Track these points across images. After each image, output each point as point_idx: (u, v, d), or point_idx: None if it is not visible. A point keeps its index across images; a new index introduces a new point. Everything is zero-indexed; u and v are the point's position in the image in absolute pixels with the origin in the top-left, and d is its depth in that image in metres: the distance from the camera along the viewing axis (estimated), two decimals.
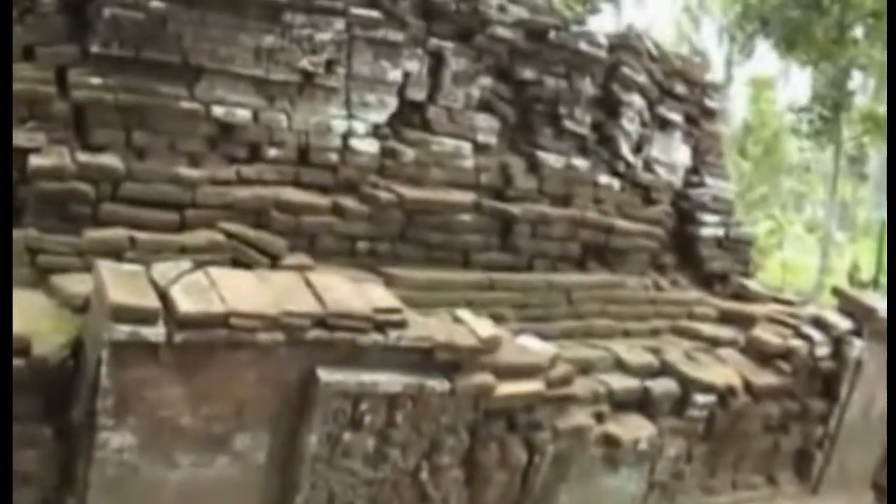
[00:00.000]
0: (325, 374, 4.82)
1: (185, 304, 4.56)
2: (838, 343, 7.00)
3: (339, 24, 6.29)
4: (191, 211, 5.79)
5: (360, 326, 4.87)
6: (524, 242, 6.92)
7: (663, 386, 6.32)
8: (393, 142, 6.59)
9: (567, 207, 7.15)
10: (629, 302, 7.23)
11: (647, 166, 7.71)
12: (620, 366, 6.41)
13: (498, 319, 6.40)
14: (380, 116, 6.60)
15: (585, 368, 6.28)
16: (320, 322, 4.80)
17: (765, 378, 6.67)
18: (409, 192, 6.46)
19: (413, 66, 6.69)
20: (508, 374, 5.34)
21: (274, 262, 5.80)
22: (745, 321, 7.30)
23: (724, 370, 6.57)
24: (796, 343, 6.84)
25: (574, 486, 5.97)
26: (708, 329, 7.24)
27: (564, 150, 7.23)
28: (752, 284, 8.04)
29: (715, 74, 8.44)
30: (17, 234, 5.22)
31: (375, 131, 6.57)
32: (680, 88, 7.87)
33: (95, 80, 5.71)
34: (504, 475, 5.52)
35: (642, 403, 6.29)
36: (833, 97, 19.30)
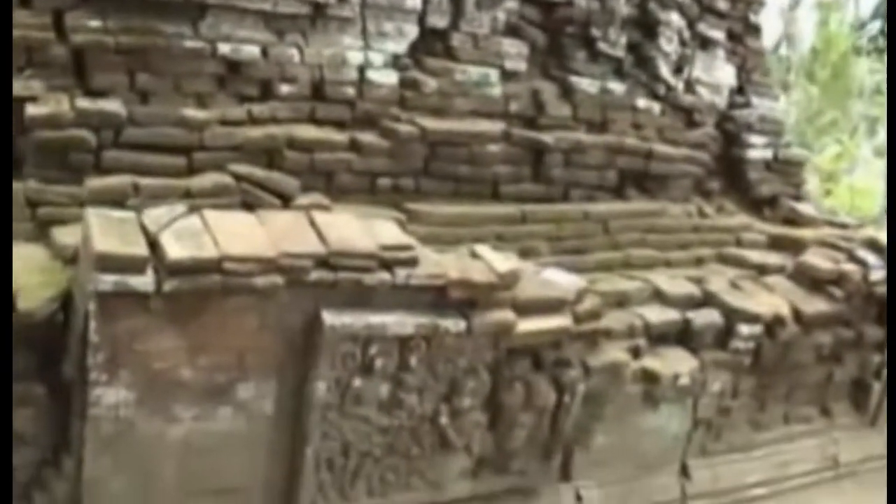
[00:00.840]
0: (330, 318, 4.56)
1: (175, 250, 4.31)
2: None
3: None
4: (199, 154, 5.52)
5: (365, 265, 4.58)
6: (558, 172, 6.54)
7: (705, 317, 5.95)
8: (414, 72, 6.23)
9: (603, 134, 6.75)
10: (671, 230, 6.83)
11: (689, 88, 7.24)
12: (659, 297, 6.05)
13: (530, 253, 6.11)
14: (399, 46, 6.23)
15: (621, 301, 5.95)
16: (322, 262, 4.53)
17: (816, 305, 6.25)
18: (432, 124, 6.12)
19: None
20: (530, 310, 5.02)
21: (286, 202, 5.52)
22: (796, 246, 6.86)
23: (772, 299, 6.17)
24: (849, 267, 6.40)
25: (610, 426, 5.67)
26: (756, 256, 6.81)
27: (599, 73, 6.80)
28: (804, 208, 7.55)
29: None
30: (16, 186, 5.02)
31: (395, 62, 6.21)
32: (722, 4, 7.36)
33: (94, 23, 5.41)
34: (531, 417, 5.22)
35: (683, 336, 5.94)
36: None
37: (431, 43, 6.41)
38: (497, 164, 6.34)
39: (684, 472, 6.07)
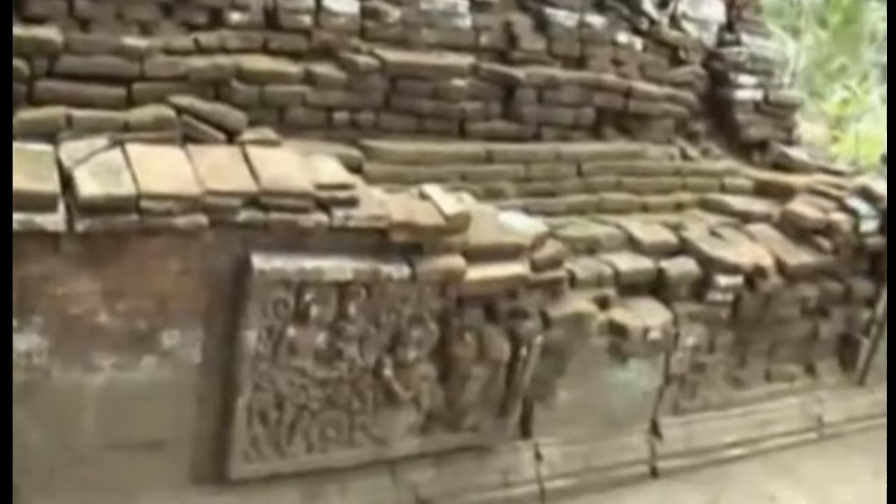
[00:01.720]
0: (259, 261, 4.22)
1: (89, 186, 3.96)
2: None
3: None
4: (140, 85, 5.17)
5: (299, 205, 4.24)
6: (529, 109, 6.18)
7: (680, 266, 5.58)
8: (375, 0, 5.84)
9: (581, 70, 6.35)
10: (650, 173, 6.47)
11: (674, 23, 6.82)
12: (632, 244, 5.68)
13: (496, 195, 5.81)
14: None
15: (591, 247, 5.60)
16: (253, 202, 4.18)
17: (801, 256, 5.86)
18: (393, 56, 5.76)
19: None
20: (483, 257, 4.67)
21: (232, 138, 5.17)
22: (784, 194, 6.47)
23: (754, 248, 5.78)
24: (838, 217, 5.99)
25: (574, 381, 5.34)
26: (739, 203, 6.43)
27: (577, 6, 6.38)
28: (795, 153, 7.14)
29: None
30: None
31: None
32: None
33: None
34: (484, 370, 4.89)
35: (656, 287, 5.58)
36: None
37: None
38: (464, 100, 5.99)
39: (654, 430, 5.73)
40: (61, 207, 3.91)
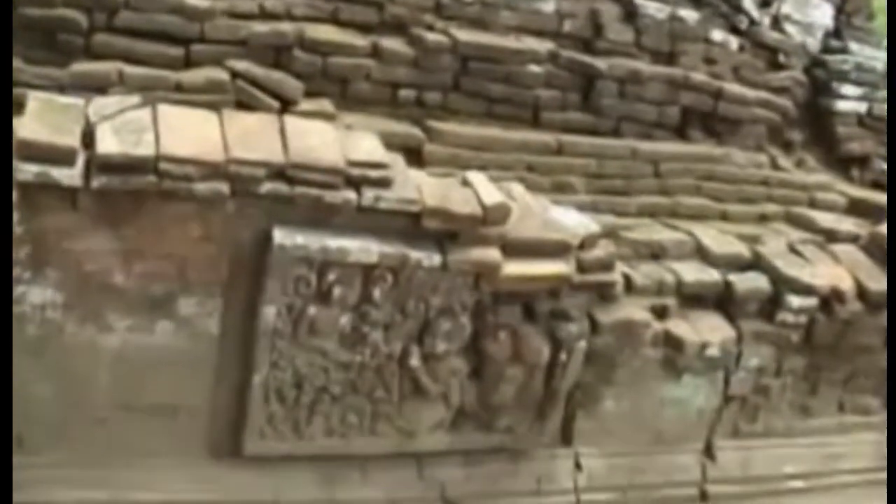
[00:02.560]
0: (280, 236, 4.08)
1: (108, 144, 3.88)
2: None
3: None
4: (198, 46, 5.13)
5: (327, 181, 4.08)
6: (609, 103, 5.91)
7: (750, 282, 5.22)
8: None
9: (669, 66, 6.04)
10: (733, 180, 6.10)
11: (776, 24, 6.44)
12: (701, 253, 5.35)
13: (563, 189, 5.58)
14: None
15: (656, 253, 5.30)
16: (278, 174, 4.04)
17: (885, 282, 5.43)
18: (465, 36, 5.56)
19: None
20: (522, 252, 4.43)
21: (286, 106, 5.07)
22: (879, 214, 6.01)
23: (834, 270, 5.37)
24: None
25: (622, 392, 5.05)
26: (827, 219, 6.00)
27: None
28: None
29: None
30: None
31: None
32: None
33: None
34: (520, 371, 4.65)
35: (722, 301, 5.23)
36: None
37: None
38: (539, 87, 5.76)
39: (708, 452, 5.39)
40: (80, 162, 3.85)
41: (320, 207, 4.11)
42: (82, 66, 4.84)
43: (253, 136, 4.14)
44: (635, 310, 4.94)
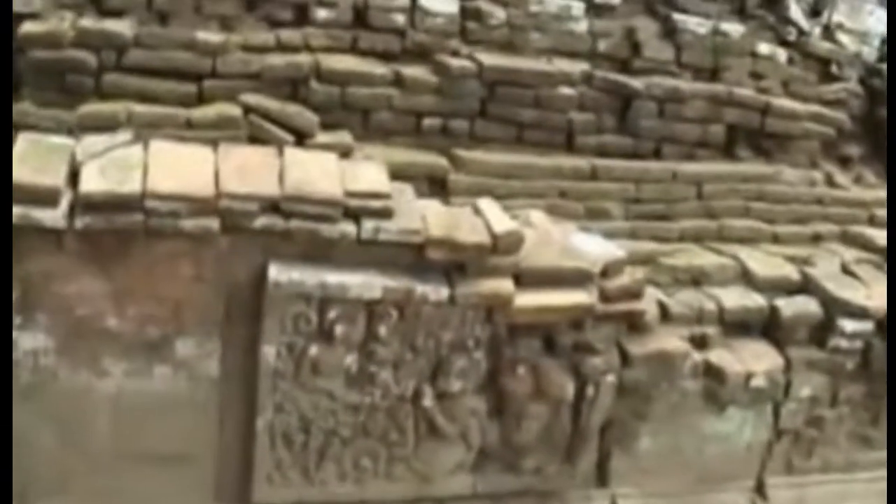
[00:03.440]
0: (276, 272, 3.90)
1: (92, 182, 3.76)
2: None
3: None
4: (210, 82, 4.97)
5: (324, 213, 3.89)
6: (648, 124, 5.58)
7: (798, 306, 4.88)
8: (478, 0, 5.43)
9: (712, 83, 5.71)
10: (784, 200, 5.73)
11: (828, 34, 6.06)
12: (745, 278, 5.02)
13: (599, 215, 5.33)
14: None
15: (697, 279, 5.00)
16: (273, 207, 3.87)
17: None
18: (491, 60, 5.31)
19: None
20: (538, 282, 4.18)
21: (302, 140, 4.89)
22: None
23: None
24: None
25: (661, 428, 4.74)
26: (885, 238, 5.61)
27: (713, 12, 5.76)
28: None
29: None
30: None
31: None
32: None
33: None
34: (543, 408, 4.38)
35: (769, 328, 4.90)
36: None
37: None
38: (572, 110, 5.47)
39: (760, 490, 5.03)
40: (64, 203, 3.72)
41: (317, 241, 3.92)
42: (90, 107, 4.73)
43: (248, 170, 3.98)
44: (671, 339, 4.64)
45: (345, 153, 4.69)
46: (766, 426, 4.91)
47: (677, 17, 5.69)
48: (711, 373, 4.70)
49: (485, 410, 4.35)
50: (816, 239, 5.66)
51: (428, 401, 4.22)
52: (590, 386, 4.38)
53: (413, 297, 4.00)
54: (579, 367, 4.35)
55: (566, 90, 5.42)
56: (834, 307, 4.85)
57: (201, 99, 4.95)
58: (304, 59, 5.07)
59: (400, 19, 5.27)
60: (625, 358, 4.51)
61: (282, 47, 5.11)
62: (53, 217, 3.69)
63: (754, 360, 4.78)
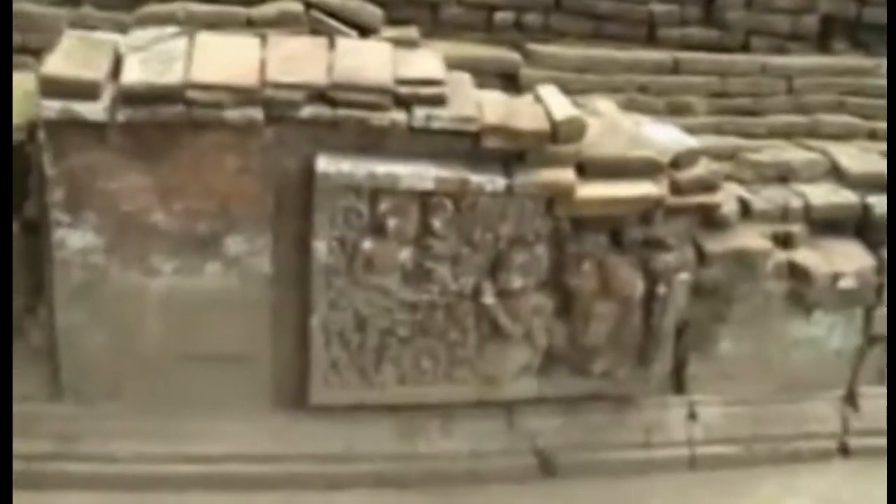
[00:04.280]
0: (324, 164, 3.76)
1: (132, 74, 3.65)
2: None
3: None
4: None
5: (373, 101, 3.72)
6: (736, 15, 5.27)
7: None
8: None
9: None
10: (884, 94, 5.32)
11: None
12: (837, 174, 4.70)
13: (682, 111, 5.10)
14: None
15: (784, 175, 4.69)
16: (319, 96, 3.71)
17: None
18: None
19: None
20: (603, 173, 3.95)
21: (366, 35, 4.70)
22: None
23: None
24: None
25: (742, 332, 4.48)
26: None
27: None
28: None
29: None
30: (71, 13, 4.71)
31: None
32: None
33: None
34: (611, 307, 4.16)
35: (861, 227, 4.58)
36: None
37: None
38: (653, 0, 5.16)
39: (850, 400, 4.72)
40: (106, 97, 3.63)
41: (367, 131, 3.76)
42: (148, 9, 4.60)
43: (296, 60, 3.83)
44: (752, 237, 4.36)
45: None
46: (857, 332, 4.60)
47: None
48: (797, 273, 4.41)
49: (550, 309, 4.15)
50: None
51: (488, 298, 4.04)
52: (661, 284, 4.14)
53: (468, 187, 3.81)
54: (649, 263, 4.11)
55: None
56: None
57: None
58: None
59: None
60: (701, 256, 4.26)
61: None
62: (94, 110, 3.60)
63: (844, 260, 4.48)
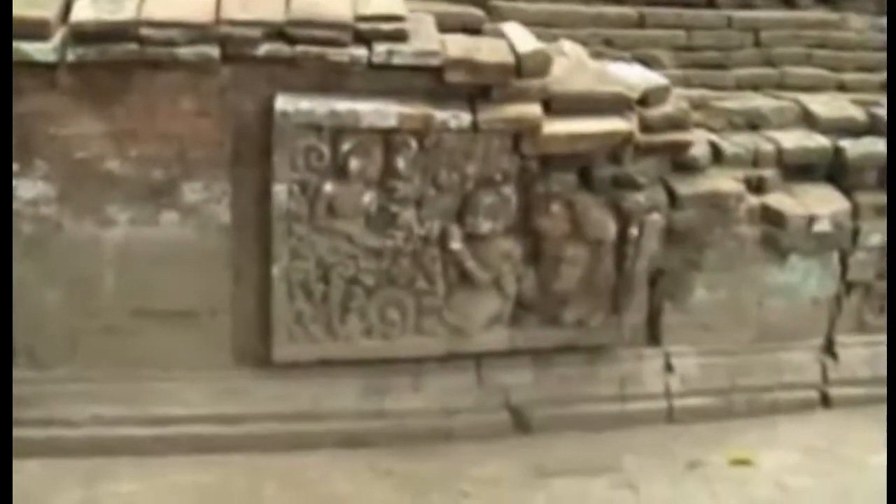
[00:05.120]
0: (283, 102, 3.63)
1: (83, 13, 3.52)
2: None
3: None
4: None
5: (332, 37, 3.60)
6: None
7: (865, 147, 4.46)
8: None
9: None
10: (850, 46, 5.32)
11: None
12: (808, 121, 4.62)
13: (648, 64, 4.89)
14: None
15: (754, 122, 4.61)
16: (277, 33, 3.59)
17: None
18: None
19: None
20: (570, 108, 3.85)
21: None
22: None
23: None
24: None
25: (717, 279, 4.37)
26: None
27: None
28: None
29: None
30: None
31: None
32: None
33: None
34: (581, 250, 4.05)
35: (834, 172, 4.50)
36: None
37: None
38: None
39: (829, 349, 4.62)
40: (56, 37, 3.50)
41: (327, 68, 3.65)
42: None
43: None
44: (724, 180, 4.27)
45: None
46: (834, 278, 4.51)
47: None
48: (770, 217, 4.32)
49: (519, 255, 4.04)
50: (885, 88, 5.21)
51: (456, 243, 3.92)
52: (633, 225, 4.04)
53: (432, 124, 3.70)
54: (620, 204, 4.01)
55: None
56: None
57: None
58: None
59: None
60: (673, 199, 4.16)
61: None
62: (44, 49, 3.47)
63: (818, 204, 4.39)
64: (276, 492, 3.80)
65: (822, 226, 4.34)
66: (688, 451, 4.19)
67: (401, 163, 3.74)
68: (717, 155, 4.35)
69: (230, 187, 3.77)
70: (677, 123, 4.06)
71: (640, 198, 4.01)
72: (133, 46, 3.49)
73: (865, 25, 5.39)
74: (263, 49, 3.58)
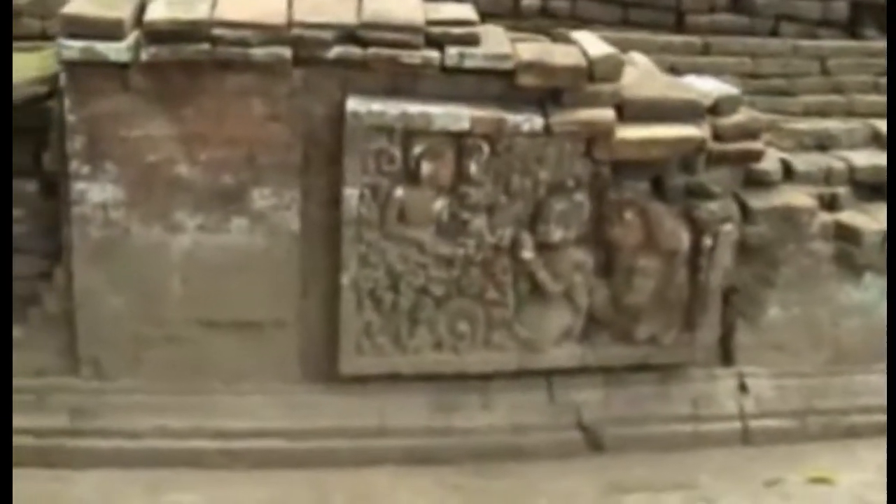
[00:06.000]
0: (354, 103, 3.61)
1: (157, 12, 3.54)
2: None
3: None
4: None
5: (404, 40, 3.59)
6: (765, 1, 5.20)
7: None
8: None
9: None
10: None
11: None
12: (877, 140, 4.54)
13: None
14: None
15: (824, 143, 4.53)
16: (349, 36, 3.59)
17: None
18: None
19: None
20: (643, 114, 3.81)
21: None
22: None
23: None
24: None
25: (790, 297, 4.26)
26: None
27: None
28: None
29: None
30: None
31: None
32: None
33: None
34: (655, 261, 3.96)
35: None
36: None
37: None
38: None
39: None
40: (130, 38, 3.51)
41: (398, 72, 3.63)
42: None
43: (325, 2, 3.70)
44: (797, 195, 4.19)
45: None
46: None
47: None
48: (844, 233, 4.23)
49: (591, 266, 3.96)
50: None
51: (528, 252, 3.85)
52: (707, 236, 3.95)
53: (504, 127, 3.66)
54: (693, 213, 3.93)
55: None
56: None
57: None
58: None
59: None
60: (745, 213, 4.08)
61: None
62: (118, 49, 3.48)
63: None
64: None
65: None
66: (765, 470, 4.06)
67: (473, 167, 3.70)
68: (788, 173, 4.27)
69: (300, 194, 3.73)
70: (749, 133, 4.01)
71: (713, 207, 3.93)
72: (205, 46, 3.50)
73: None
74: (335, 52, 3.57)
